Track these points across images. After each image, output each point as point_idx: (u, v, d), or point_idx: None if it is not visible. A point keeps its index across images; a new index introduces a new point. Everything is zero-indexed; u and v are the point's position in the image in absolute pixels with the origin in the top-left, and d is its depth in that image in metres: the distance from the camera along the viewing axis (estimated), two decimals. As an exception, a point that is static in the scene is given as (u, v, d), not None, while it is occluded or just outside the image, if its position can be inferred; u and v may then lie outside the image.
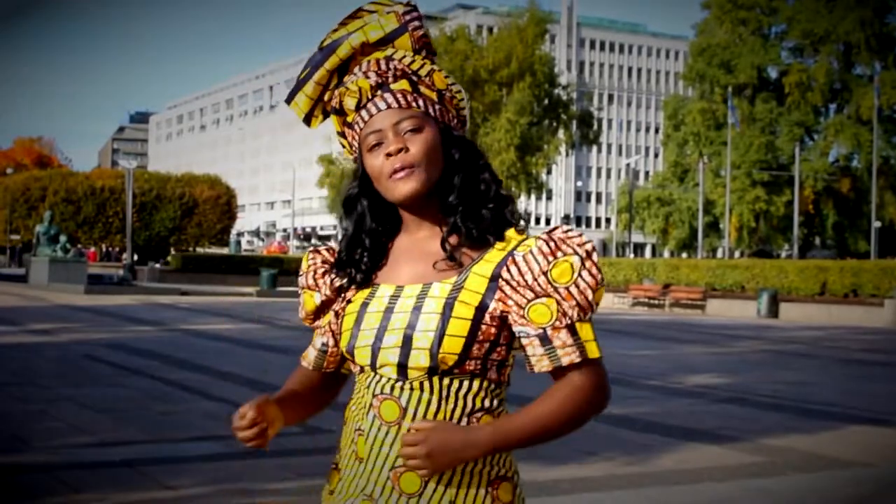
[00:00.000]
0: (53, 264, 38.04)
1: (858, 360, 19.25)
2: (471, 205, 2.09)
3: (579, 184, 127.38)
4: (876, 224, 58.32)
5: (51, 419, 9.74)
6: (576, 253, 2.00)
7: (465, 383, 2.02)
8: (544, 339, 1.99)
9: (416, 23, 2.16)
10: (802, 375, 16.17)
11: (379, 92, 2.09)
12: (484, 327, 2.01)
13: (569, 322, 1.99)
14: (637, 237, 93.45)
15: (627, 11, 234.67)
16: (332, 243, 2.31)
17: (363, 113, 2.11)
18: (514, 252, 2.03)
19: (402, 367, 2.01)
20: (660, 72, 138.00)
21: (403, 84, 2.10)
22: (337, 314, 2.19)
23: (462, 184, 2.10)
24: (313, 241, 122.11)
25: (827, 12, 73.12)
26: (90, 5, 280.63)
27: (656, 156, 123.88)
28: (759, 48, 76.05)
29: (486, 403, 2.04)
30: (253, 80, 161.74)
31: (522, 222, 2.13)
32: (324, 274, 2.21)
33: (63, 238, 40.49)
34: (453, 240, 2.07)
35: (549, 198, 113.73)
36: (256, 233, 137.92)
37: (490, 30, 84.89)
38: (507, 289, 2.01)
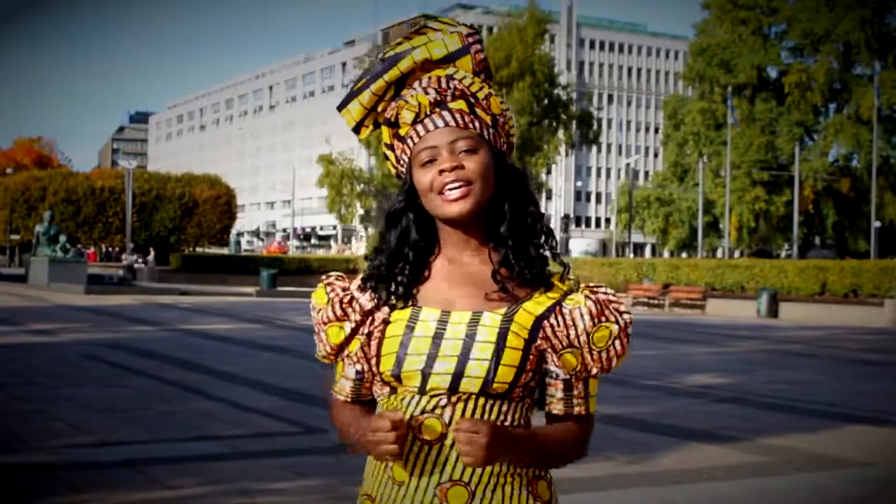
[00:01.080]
0: (53, 264, 38.01)
1: (858, 360, 19.25)
2: (519, 237, 2.12)
3: (579, 184, 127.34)
4: (876, 224, 58.27)
5: (51, 419, 9.73)
6: (616, 322, 2.10)
7: (506, 405, 2.07)
8: (568, 385, 2.10)
9: (478, 46, 2.18)
10: (802, 375, 16.17)
11: (437, 109, 2.10)
12: (531, 358, 2.07)
13: (586, 376, 2.11)
14: (637, 237, 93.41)
15: (627, 11, 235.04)
16: (339, 277, 2.24)
17: (419, 128, 2.11)
18: (563, 304, 2.10)
19: (452, 391, 2.03)
20: (659, 72, 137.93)
21: (461, 104, 2.11)
22: (370, 336, 2.13)
23: (512, 213, 2.12)
24: (313, 240, 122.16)
25: (827, 12, 73.10)
26: (90, 5, 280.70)
27: (656, 155, 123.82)
28: (758, 48, 76.04)
29: (523, 421, 2.10)
30: (253, 80, 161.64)
31: (563, 268, 2.18)
32: (350, 301, 2.16)
33: (63, 238, 40.44)
34: (503, 272, 2.10)
35: (548, 198, 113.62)
36: (256, 233, 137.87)
37: (490, 29, 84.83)
38: (549, 331, 2.08)
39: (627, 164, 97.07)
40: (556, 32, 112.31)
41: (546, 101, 65.77)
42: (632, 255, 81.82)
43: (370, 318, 2.13)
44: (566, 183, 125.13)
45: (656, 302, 40.08)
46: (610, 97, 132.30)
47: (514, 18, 67.24)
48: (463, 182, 2.06)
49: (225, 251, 69.78)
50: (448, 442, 2.03)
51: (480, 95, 2.13)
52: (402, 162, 2.17)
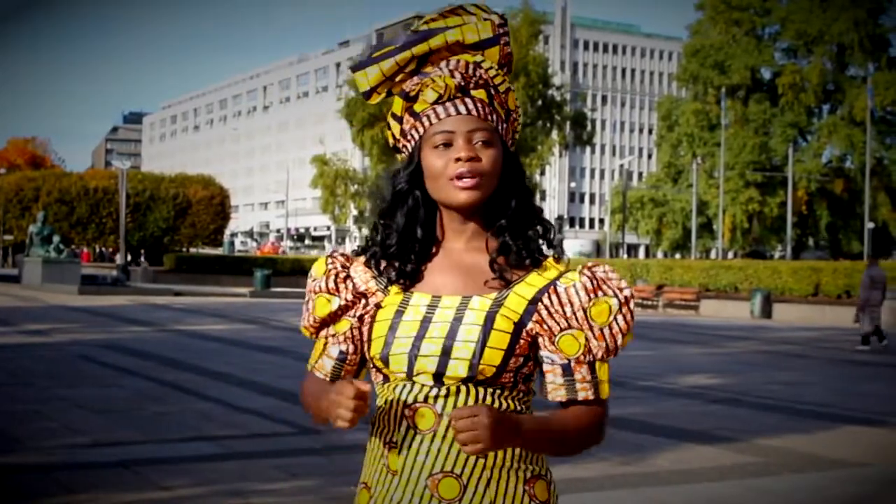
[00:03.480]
0: (47, 265, 37.96)
1: (852, 361, 19.28)
2: (518, 228, 2.11)
3: (573, 185, 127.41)
4: (869, 225, 58.35)
5: (45, 419, 9.72)
6: (615, 296, 2.06)
7: (498, 392, 2.05)
8: (567, 370, 2.05)
9: (507, 38, 2.18)
10: (796, 376, 16.20)
11: (460, 94, 2.09)
12: (521, 342, 2.05)
13: (591, 359, 2.05)
14: (630, 238, 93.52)
15: (621, 12, 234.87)
16: (344, 249, 2.27)
17: (439, 109, 2.09)
18: (557, 283, 2.07)
19: (439, 376, 2.02)
20: (653, 73, 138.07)
21: (482, 94, 2.10)
22: (361, 319, 2.13)
23: (515, 206, 2.12)
24: (307, 241, 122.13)
25: (820, 13, 73.22)
26: (87, 5, 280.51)
27: (650, 157, 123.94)
28: (752, 49, 76.11)
29: (518, 408, 2.07)
30: (247, 81, 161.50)
31: (562, 253, 2.16)
32: (345, 279, 2.15)
33: (56, 238, 40.38)
34: (500, 260, 2.09)
35: (542, 199, 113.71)
36: (250, 233, 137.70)
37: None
38: (544, 314, 2.05)
39: (621, 165, 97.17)
40: (549, 33, 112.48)
41: (540, 102, 65.81)
42: (626, 256, 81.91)
43: (363, 301, 2.13)
44: (560, 184, 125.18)
45: (650, 303, 40.10)
46: (604, 98, 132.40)
47: (508, 19, 67.29)
48: (477, 173, 2.05)
49: (219, 252, 69.72)
50: (440, 432, 2.01)
51: (501, 89, 2.13)
52: (409, 137, 2.14)
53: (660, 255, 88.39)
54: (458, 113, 2.07)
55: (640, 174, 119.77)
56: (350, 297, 2.13)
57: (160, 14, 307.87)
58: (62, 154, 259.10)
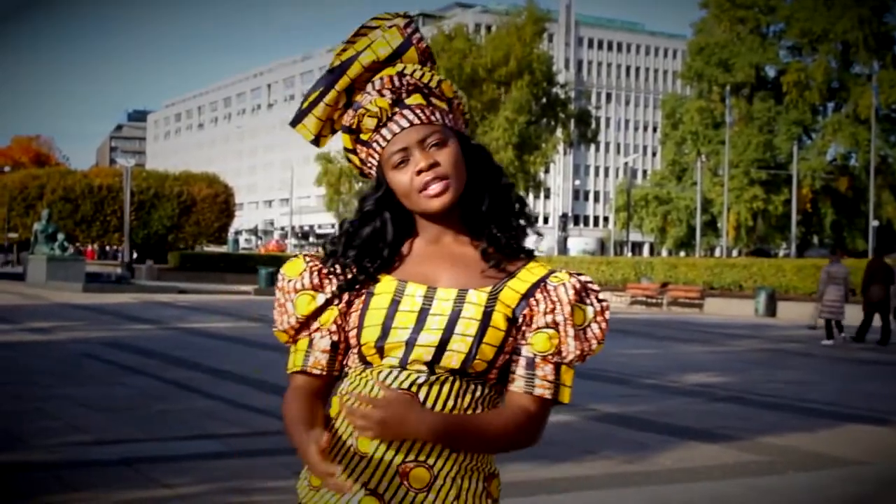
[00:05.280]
0: (51, 262, 38.00)
1: (856, 360, 19.25)
2: (499, 212, 2.14)
3: (577, 182, 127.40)
4: (874, 223, 58.29)
5: (49, 418, 9.72)
6: (598, 303, 2.12)
7: (481, 388, 2.08)
8: (530, 364, 2.07)
9: (418, 34, 2.17)
10: (800, 374, 16.18)
11: (397, 109, 2.10)
12: (511, 339, 2.08)
13: (559, 361, 2.07)
14: (635, 236, 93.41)
15: (625, 10, 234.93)
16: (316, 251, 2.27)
17: (384, 132, 2.11)
18: (547, 280, 2.10)
19: (431, 366, 2.04)
20: (658, 70, 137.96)
21: (417, 98, 2.11)
22: (350, 305, 2.13)
23: (489, 192, 2.14)
24: (311, 238, 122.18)
25: (825, 11, 73.15)
26: (89, 5, 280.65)
27: (654, 154, 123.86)
28: (757, 47, 76.09)
29: (492, 405, 2.11)
30: (251, 79, 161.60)
31: (535, 248, 2.20)
32: (327, 273, 2.15)
33: (61, 236, 40.42)
34: (492, 250, 2.12)
35: (547, 196, 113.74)
36: (254, 231, 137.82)
37: (488, 28, 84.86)
38: (533, 308, 2.08)
39: (626, 163, 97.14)
40: (554, 31, 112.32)
41: (544, 100, 65.81)
42: (630, 254, 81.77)
43: (350, 290, 2.13)
44: (564, 182, 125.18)
45: (654, 301, 40.06)
46: (608, 96, 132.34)
47: (513, 17, 67.29)
48: (441, 176, 2.06)
49: (223, 249, 69.80)
50: None
51: (433, 84, 2.14)
52: (368, 164, 2.17)
53: (664, 252, 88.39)
54: (403, 128, 2.09)
55: (645, 172, 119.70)
56: (335, 289, 2.14)
57: (161, 14, 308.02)
58: (66, 152, 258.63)
